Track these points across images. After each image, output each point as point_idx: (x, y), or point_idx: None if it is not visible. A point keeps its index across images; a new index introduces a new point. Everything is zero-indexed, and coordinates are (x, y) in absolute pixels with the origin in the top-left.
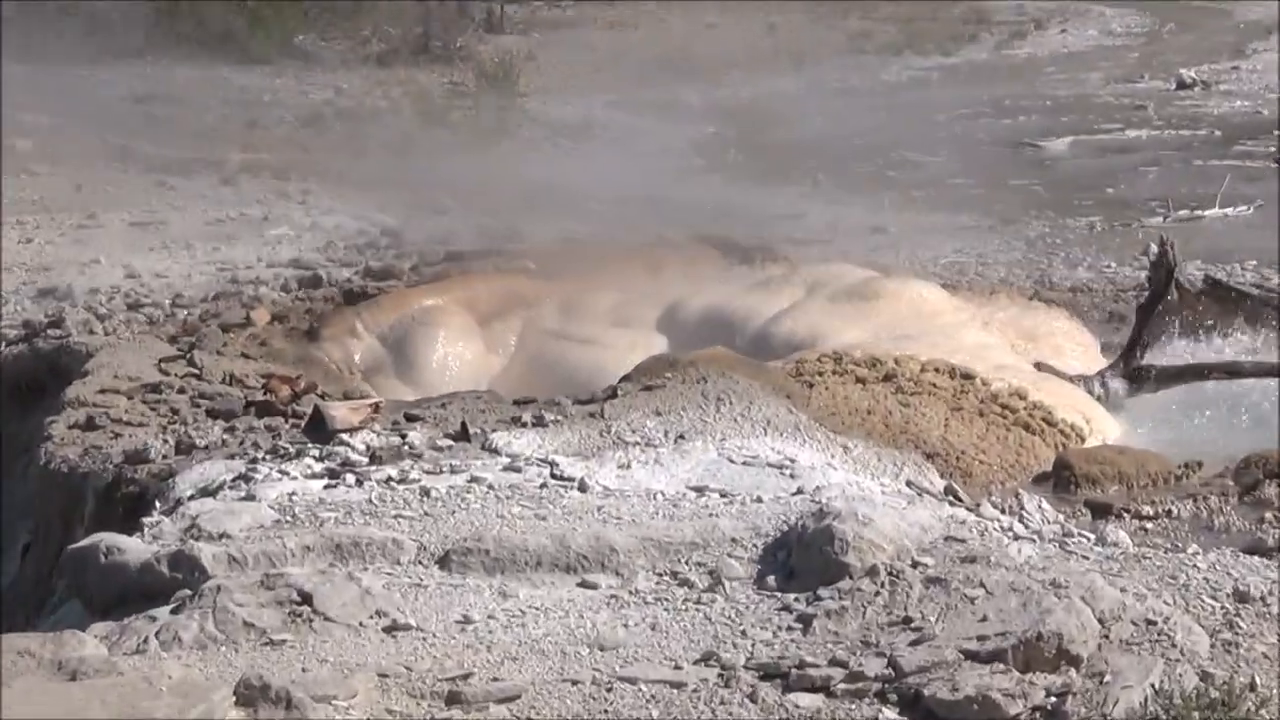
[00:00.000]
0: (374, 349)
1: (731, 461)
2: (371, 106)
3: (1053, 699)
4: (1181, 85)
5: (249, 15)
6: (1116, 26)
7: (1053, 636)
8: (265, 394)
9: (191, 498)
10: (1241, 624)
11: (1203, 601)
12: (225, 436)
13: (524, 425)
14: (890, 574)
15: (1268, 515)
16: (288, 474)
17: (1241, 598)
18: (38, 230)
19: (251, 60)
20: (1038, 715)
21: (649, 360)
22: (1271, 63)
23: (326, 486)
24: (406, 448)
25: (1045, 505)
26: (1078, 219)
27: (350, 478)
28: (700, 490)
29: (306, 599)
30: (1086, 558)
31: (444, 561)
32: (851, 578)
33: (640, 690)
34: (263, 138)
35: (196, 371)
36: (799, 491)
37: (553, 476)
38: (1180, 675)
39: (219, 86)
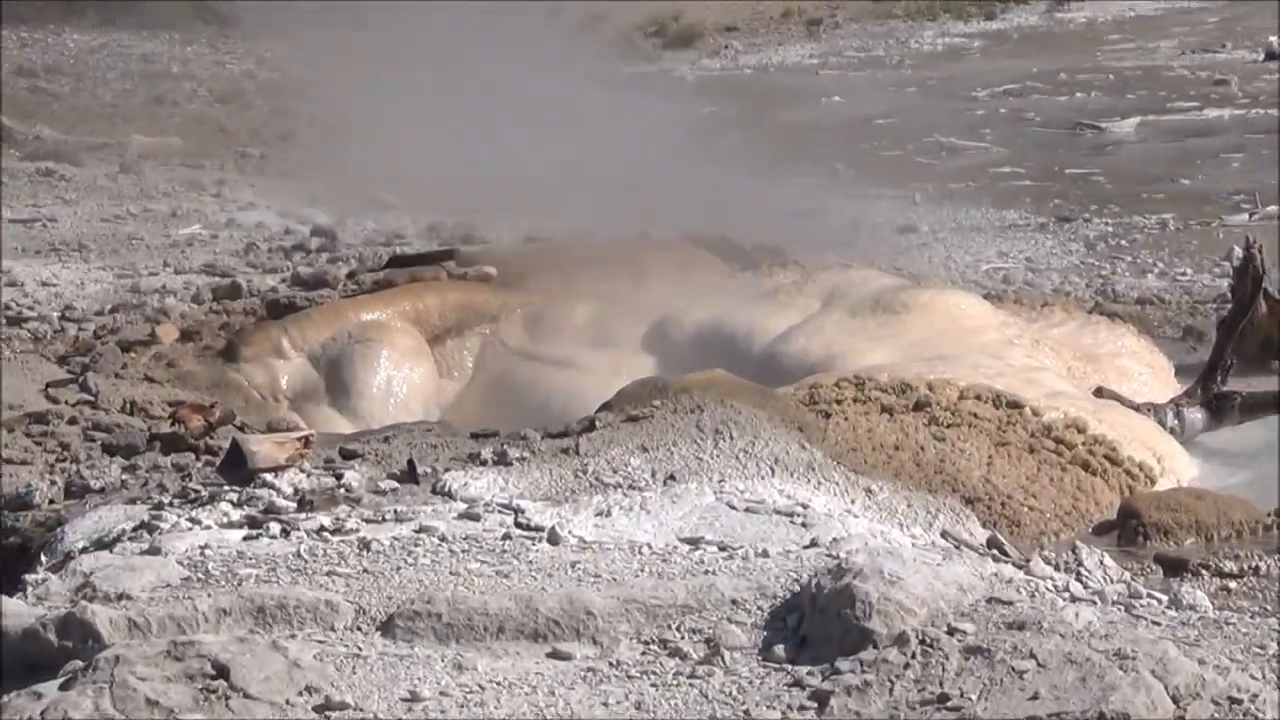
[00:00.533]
0: (303, 372)
1: (732, 508)
2: (300, 78)
3: None
4: (1271, 55)
5: None
6: None
7: (1117, 717)
8: (173, 425)
9: (84, 551)
10: None
11: None
12: (125, 477)
13: (483, 464)
14: (922, 642)
15: None
16: (199, 522)
17: None
18: None
19: (156, 24)
20: None
21: (633, 385)
22: None
23: (246, 538)
24: (342, 491)
25: (1108, 561)
26: (1146, 216)
27: (275, 527)
28: (694, 542)
29: (222, 672)
30: (1157, 623)
31: (387, 627)
32: (876, 647)
33: None
34: (170, 117)
35: (90, 398)
36: (813, 544)
37: (518, 526)
38: None
39: (117, 56)
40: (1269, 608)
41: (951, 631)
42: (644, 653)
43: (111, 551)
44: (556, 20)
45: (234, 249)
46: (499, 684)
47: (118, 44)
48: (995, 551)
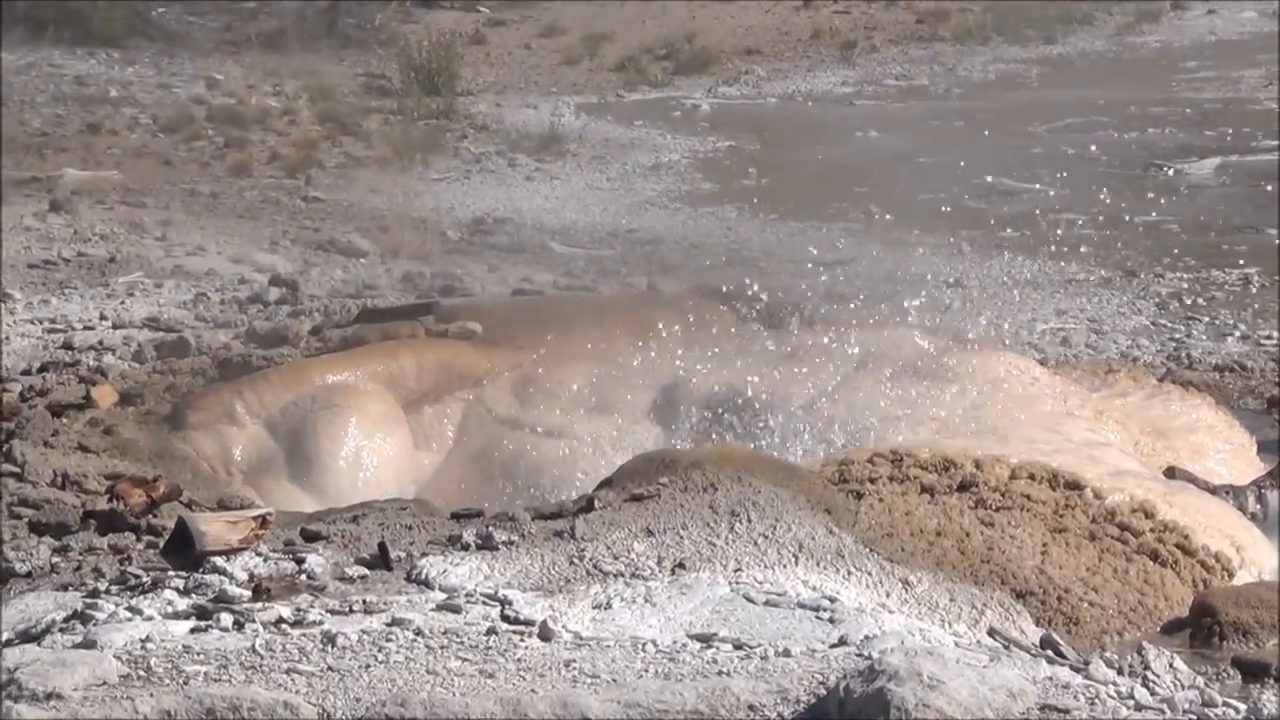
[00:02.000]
0: (260, 441)
1: (749, 600)
2: (258, 106)
3: None
4: None
5: None
6: None
7: None
8: (110, 501)
9: (8, 644)
10: None
11: None
12: (55, 560)
13: (465, 548)
14: None
15: None
16: (140, 612)
17: None
18: None
19: (94, 41)
20: None
21: (637, 460)
22: None
23: (194, 630)
24: (304, 578)
25: (1179, 664)
26: (1227, 271)
27: (226, 618)
28: (706, 639)
29: None
30: None
31: None
32: None
33: None
34: (107, 147)
35: (16, 469)
36: (841, 642)
37: (504, 619)
38: None
39: (48, 77)
40: None
41: None
42: None
43: (40, 644)
44: (551, 42)
45: (181, 300)
46: None
47: (47, 63)
48: (1050, 652)
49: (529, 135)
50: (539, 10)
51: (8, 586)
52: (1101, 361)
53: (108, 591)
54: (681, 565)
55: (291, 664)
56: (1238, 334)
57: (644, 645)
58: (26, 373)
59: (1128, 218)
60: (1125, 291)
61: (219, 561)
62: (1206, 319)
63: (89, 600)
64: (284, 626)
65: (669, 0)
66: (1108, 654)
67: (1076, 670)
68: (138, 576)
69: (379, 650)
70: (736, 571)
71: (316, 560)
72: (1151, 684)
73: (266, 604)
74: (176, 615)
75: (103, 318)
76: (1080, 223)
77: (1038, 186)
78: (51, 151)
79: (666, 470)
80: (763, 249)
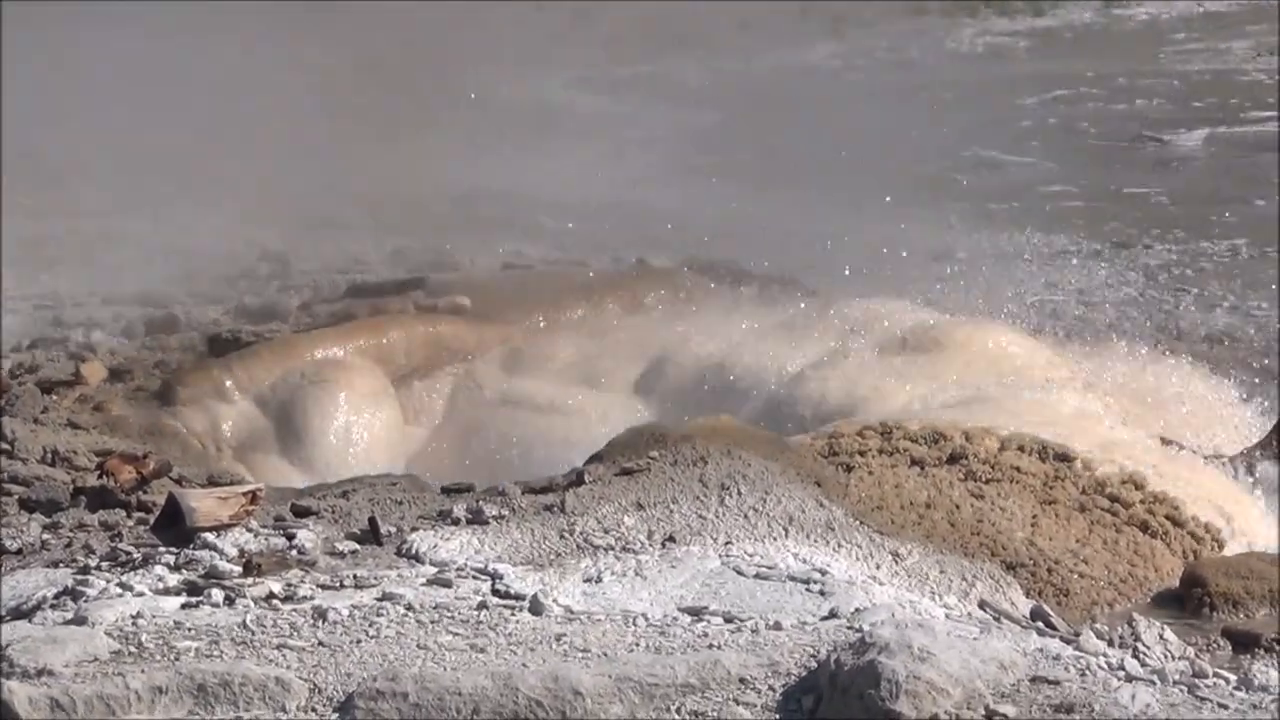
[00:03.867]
0: (250, 417)
1: (740, 573)
2: (247, 79)
3: None
4: None
5: None
6: None
7: None
8: (100, 478)
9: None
10: None
11: None
12: (46, 537)
13: (456, 522)
14: None
15: None
16: (131, 588)
17: None
18: None
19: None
20: None
21: (627, 434)
22: None
23: (184, 606)
24: (294, 553)
25: (1169, 635)
26: (1215, 241)
27: (217, 594)
28: (696, 613)
29: None
30: (1225, 706)
31: (345, 708)
32: None
33: None
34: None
35: (6, 447)
36: (832, 614)
37: (495, 593)
38: None
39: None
40: None
41: (990, 715)
42: None
43: (31, 621)
44: (541, 17)
45: (170, 275)
46: None
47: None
48: (1040, 624)
49: (517, 109)
50: None
51: None
52: (1091, 332)
53: (98, 568)
54: (672, 539)
55: (282, 639)
56: (1227, 304)
57: (635, 619)
58: (16, 349)
59: (1116, 189)
60: (1114, 263)
61: (209, 537)
62: (1195, 290)
63: (80, 577)
64: (275, 602)
65: None
66: (1098, 625)
67: (1067, 642)
68: (128, 553)
69: (370, 625)
70: (727, 545)
71: (307, 535)
72: (1142, 655)
73: (257, 579)
74: (167, 591)
75: (91, 294)
76: (1069, 194)
77: (1026, 159)
78: (42, 125)
79: (656, 444)
80: (751, 221)
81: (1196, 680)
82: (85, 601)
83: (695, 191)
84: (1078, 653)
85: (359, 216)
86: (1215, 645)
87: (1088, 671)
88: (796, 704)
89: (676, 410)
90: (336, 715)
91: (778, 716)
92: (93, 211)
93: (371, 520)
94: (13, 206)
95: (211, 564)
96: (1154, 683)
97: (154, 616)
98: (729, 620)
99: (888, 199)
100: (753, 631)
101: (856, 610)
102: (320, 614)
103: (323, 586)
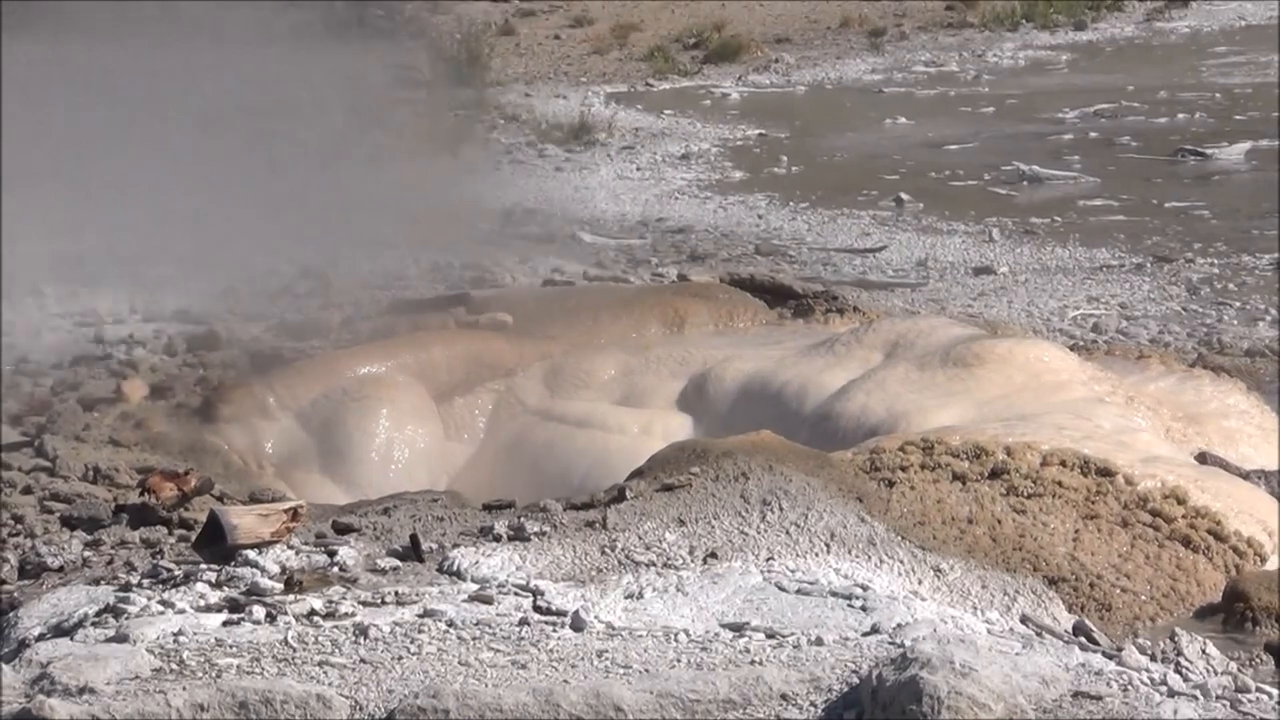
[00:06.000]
0: (291, 433)
1: (781, 589)
2: (286, 96)
3: None
4: None
5: None
6: None
7: None
8: (142, 495)
9: (41, 638)
10: None
11: None
12: (87, 554)
13: (497, 539)
14: None
15: None
16: (172, 605)
17: None
18: None
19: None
20: None
21: (668, 450)
22: None
23: (226, 623)
24: (336, 570)
25: (1211, 650)
26: (1258, 256)
27: (259, 611)
28: (738, 629)
29: None
30: None
31: None
32: None
33: None
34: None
35: (48, 464)
36: (873, 630)
37: (536, 610)
38: None
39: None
40: None
41: None
42: None
43: (72, 639)
44: (580, 33)
45: (211, 292)
46: None
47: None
48: (1082, 639)
49: (558, 125)
50: (568, 0)
51: (40, 581)
52: (1133, 347)
53: (140, 585)
54: (713, 554)
55: (324, 656)
56: (1269, 319)
57: (676, 635)
58: (57, 366)
59: (1158, 203)
60: (1156, 277)
61: (251, 554)
62: (1238, 304)
63: (121, 594)
64: (316, 619)
65: None
66: (1140, 640)
67: (1109, 657)
68: (170, 570)
69: (411, 642)
70: (768, 560)
71: (348, 552)
72: (1184, 670)
73: (298, 596)
74: (208, 608)
75: (132, 311)
76: (1110, 209)
77: (1068, 173)
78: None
79: (698, 460)
80: (793, 237)
81: (1239, 695)
82: (127, 619)
83: (735, 207)
84: (1120, 668)
85: (399, 232)
86: (1258, 660)
87: (1130, 687)
88: (839, 719)
89: (718, 427)
90: None
91: None
92: (133, 228)
93: (413, 537)
94: (53, 223)
95: (253, 581)
96: (1196, 698)
97: (195, 634)
98: (770, 636)
99: (928, 213)
100: (794, 647)
101: (898, 626)
102: (362, 631)
103: (364, 603)
